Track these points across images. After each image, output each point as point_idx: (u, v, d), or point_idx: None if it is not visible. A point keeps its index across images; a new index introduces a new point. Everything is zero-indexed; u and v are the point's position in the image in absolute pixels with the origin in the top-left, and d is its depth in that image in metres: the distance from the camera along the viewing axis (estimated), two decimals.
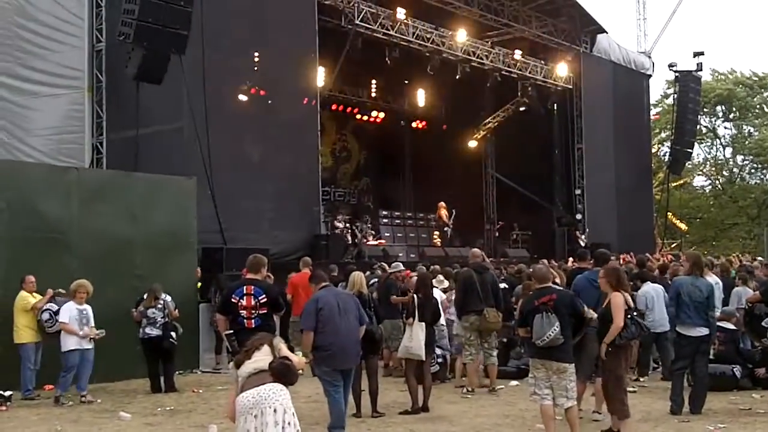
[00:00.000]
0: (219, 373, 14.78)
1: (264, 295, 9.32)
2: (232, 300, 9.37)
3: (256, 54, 19.17)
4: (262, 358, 6.81)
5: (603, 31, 29.80)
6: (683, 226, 43.19)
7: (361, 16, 21.76)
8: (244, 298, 9.31)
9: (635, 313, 9.04)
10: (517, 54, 26.95)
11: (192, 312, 14.76)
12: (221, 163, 17.58)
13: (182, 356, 13.85)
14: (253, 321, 9.26)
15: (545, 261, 18.13)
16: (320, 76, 22.46)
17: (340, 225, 23.61)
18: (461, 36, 24.71)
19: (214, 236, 16.84)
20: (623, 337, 8.98)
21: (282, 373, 6.65)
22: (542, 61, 28.23)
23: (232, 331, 9.25)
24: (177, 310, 13.39)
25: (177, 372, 13.64)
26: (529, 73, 27.56)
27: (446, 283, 14.89)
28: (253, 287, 9.38)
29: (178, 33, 16.22)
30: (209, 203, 16.88)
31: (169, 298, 13.23)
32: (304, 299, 14.37)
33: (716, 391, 11.43)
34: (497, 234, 30.92)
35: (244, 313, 9.27)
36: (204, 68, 17.21)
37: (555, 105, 29.65)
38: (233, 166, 18.27)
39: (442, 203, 27.33)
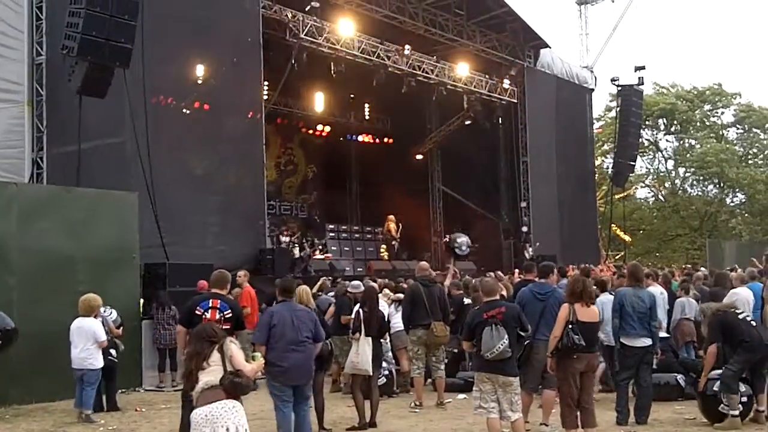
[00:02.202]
0: (162, 391, 14.56)
1: (230, 311, 9.19)
2: (197, 312, 9.19)
3: (201, 67, 19.00)
4: (214, 368, 6.74)
5: (546, 45, 30.07)
6: (627, 238, 43.64)
7: (306, 30, 21.70)
8: (209, 311, 9.17)
9: (574, 325, 9.01)
10: (462, 68, 27.05)
11: (134, 329, 14.51)
12: (164, 177, 17.35)
13: (124, 374, 13.60)
14: None
15: (492, 274, 18.23)
16: (265, 90, 22.32)
17: (286, 239, 23.47)
18: (406, 50, 24.75)
19: (157, 251, 16.60)
20: (560, 349, 8.98)
21: (233, 391, 6.59)
22: (487, 76, 28.39)
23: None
24: (121, 328, 13.18)
25: (119, 390, 13.40)
26: (474, 87, 27.70)
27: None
28: (219, 301, 9.26)
29: (123, 46, 15.98)
30: (152, 218, 16.65)
31: (113, 316, 13.00)
32: (256, 312, 14.40)
33: (661, 400, 11.54)
34: (444, 247, 30.95)
35: None
36: (147, 82, 17.00)
37: (500, 119, 29.84)
38: (177, 180, 18.06)
39: (392, 216, 27.33)
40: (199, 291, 13.15)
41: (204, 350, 6.90)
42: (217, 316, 9.10)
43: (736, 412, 9.96)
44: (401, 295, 14.74)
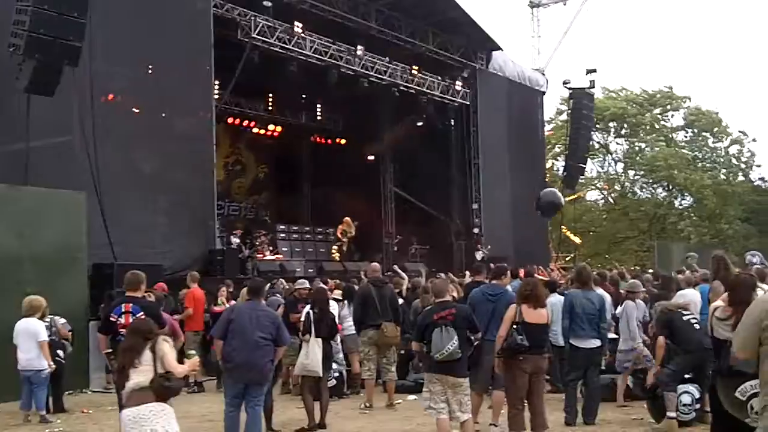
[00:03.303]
0: (110, 392, 14.31)
1: (142, 313, 9.13)
2: (111, 318, 9.25)
3: (150, 66, 18.79)
4: (145, 368, 6.69)
5: (498, 48, 30.20)
6: (577, 240, 44.02)
7: (257, 30, 21.56)
8: (123, 316, 9.19)
9: (519, 326, 9.04)
10: (415, 69, 27.09)
11: (82, 330, 14.29)
12: (113, 176, 17.12)
13: (71, 376, 13.43)
14: None
15: (443, 275, 18.29)
16: (216, 89, 22.14)
17: (236, 240, 23.32)
18: (359, 51, 24.70)
19: (105, 251, 16.40)
20: (505, 349, 9.01)
21: (162, 394, 6.56)
22: (439, 77, 28.45)
23: (111, 350, 9.09)
24: (71, 333, 13.03)
25: (66, 392, 13.22)
26: (427, 88, 27.73)
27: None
28: (131, 305, 9.24)
29: (71, 44, 15.73)
30: (100, 218, 16.44)
31: (61, 321, 12.82)
32: (198, 315, 14.29)
33: (609, 401, 11.64)
34: (396, 248, 30.99)
35: (123, 331, 9.08)
36: (96, 80, 16.79)
37: (452, 120, 29.90)
38: (125, 180, 17.83)
39: (348, 218, 27.25)
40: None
41: (137, 346, 6.86)
42: (130, 320, 9.06)
43: (673, 414, 10.05)
44: (339, 292, 14.80)
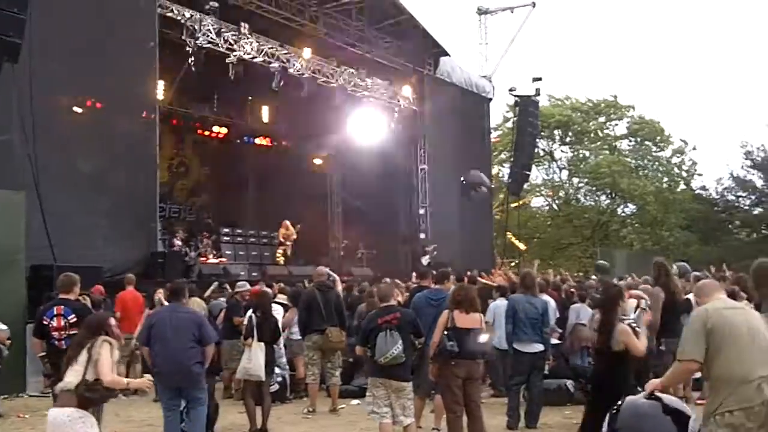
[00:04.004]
0: (47, 396, 14.05)
1: (73, 315, 9.02)
2: (43, 322, 9.17)
3: (94, 65, 18.47)
4: (78, 370, 6.58)
5: (446, 54, 30.29)
6: (522, 246, 44.30)
7: (203, 31, 21.32)
8: (55, 319, 9.13)
9: (450, 331, 9.01)
10: (362, 74, 27.04)
11: (19, 333, 13.95)
12: (53, 176, 16.79)
13: (7, 379, 13.16)
14: (64, 342, 8.96)
15: (388, 279, 18.24)
16: (160, 90, 21.85)
17: (179, 242, 23.05)
18: (306, 54, 24.59)
19: (45, 253, 16.08)
20: (438, 354, 8.99)
21: (81, 402, 6.46)
22: (387, 82, 28.43)
23: (44, 354, 8.97)
24: (10, 341, 12.76)
25: (2, 396, 12.97)
26: (374, 93, 27.70)
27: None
28: (63, 307, 9.14)
29: (11, 41, 15.36)
30: (40, 218, 16.12)
31: (2, 327, 12.56)
32: (132, 317, 14.10)
33: (551, 405, 11.71)
34: (342, 253, 30.91)
35: (55, 334, 9.03)
36: (37, 78, 16.43)
37: (399, 125, 29.86)
38: (66, 180, 17.47)
39: (287, 222, 27.12)
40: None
41: (84, 342, 6.75)
42: (63, 323, 9.07)
43: None
44: (283, 297, 14.72)
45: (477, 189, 25.53)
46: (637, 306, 9.67)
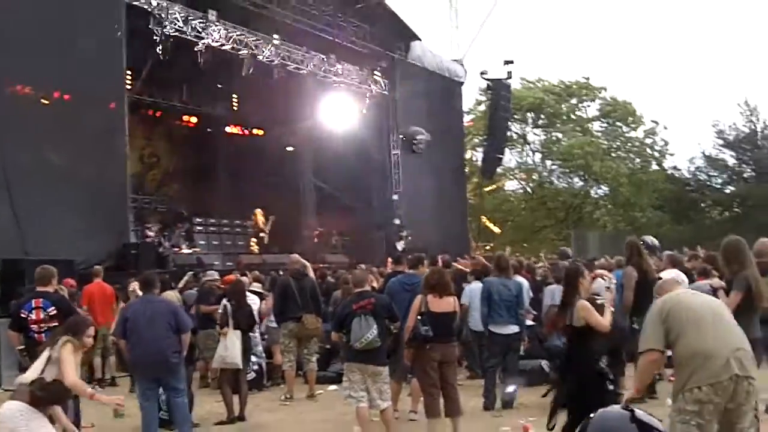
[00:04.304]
0: None
1: (53, 308, 9.00)
2: (21, 315, 9.13)
3: (61, 56, 18.27)
4: (37, 366, 6.56)
5: (417, 38, 30.24)
6: (496, 229, 44.49)
7: (171, 19, 21.13)
8: (33, 311, 9.09)
9: (424, 316, 9.03)
10: (333, 59, 26.91)
11: None
12: (23, 169, 16.66)
13: None
14: (43, 335, 8.93)
15: (363, 266, 18.28)
16: (129, 80, 21.65)
17: (151, 233, 22.92)
18: (275, 40, 24.44)
19: (15, 247, 15.94)
20: (412, 339, 9.02)
21: (33, 399, 6.44)
22: (358, 67, 28.33)
23: (23, 347, 8.93)
24: None
25: None
26: (346, 78, 27.61)
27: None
28: (41, 300, 9.12)
29: None
30: (10, 212, 15.97)
31: None
32: (100, 309, 13.98)
33: (527, 386, 11.76)
34: (316, 240, 30.85)
35: (34, 327, 8.99)
36: (3, 71, 16.29)
37: (372, 111, 29.78)
38: (36, 173, 17.29)
39: (259, 210, 27.04)
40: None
41: (57, 339, 6.72)
42: (42, 315, 9.05)
43: None
44: (258, 285, 14.70)
45: (416, 140, 25.46)
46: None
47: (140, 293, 11.80)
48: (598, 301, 9.66)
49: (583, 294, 7.65)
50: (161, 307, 9.33)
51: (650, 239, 15.43)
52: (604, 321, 7.57)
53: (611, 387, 7.45)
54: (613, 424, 5.78)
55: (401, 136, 29.45)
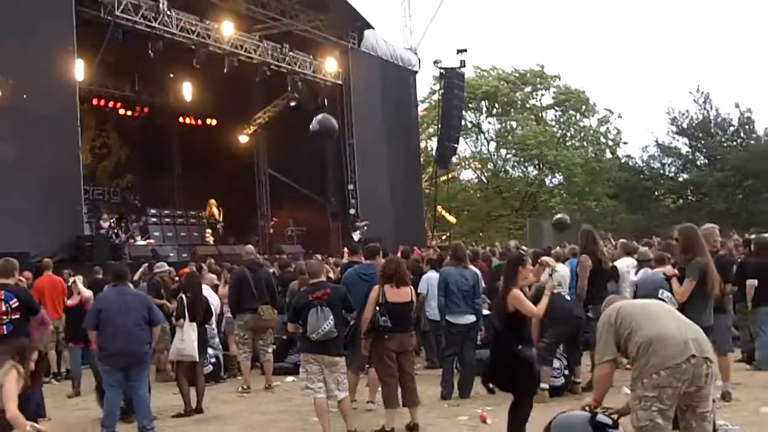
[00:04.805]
0: None
1: (15, 300, 8.97)
2: None
3: (10, 46, 17.98)
4: None
5: (370, 26, 30.15)
6: (452, 219, 44.61)
7: (121, 8, 20.78)
8: None
9: (382, 306, 9.09)
10: (286, 48, 26.73)
11: None
12: None
13: None
14: (5, 327, 9.00)
15: (319, 256, 18.25)
16: (79, 70, 21.33)
17: (106, 225, 22.69)
18: (227, 29, 24.20)
19: None
20: (370, 330, 9.07)
21: None
22: (311, 56, 28.17)
23: None
24: None
25: None
26: (298, 68, 27.44)
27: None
28: (3, 292, 9.09)
29: None
30: None
31: None
32: (51, 303, 13.83)
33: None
34: (272, 230, 30.75)
35: None
36: None
37: (325, 100, 29.58)
38: None
39: (213, 200, 26.88)
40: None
41: (2, 362, 6.55)
42: (4, 308, 9.03)
43: (546, 385, 10.27)
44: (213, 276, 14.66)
45: (332, 136, 25.49)
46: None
47: (81, 287, 11.81)
48: (556, 290, 9.76)
49: (520, 282, 7.73)
50: (135, 299, 9.47)
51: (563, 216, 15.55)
52: (534, 309, 7.67)
53: (530, 370, 7.58)
54: (573, 424, 5.96)
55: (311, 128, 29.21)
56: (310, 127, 23.25)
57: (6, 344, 6.89)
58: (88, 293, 12.06)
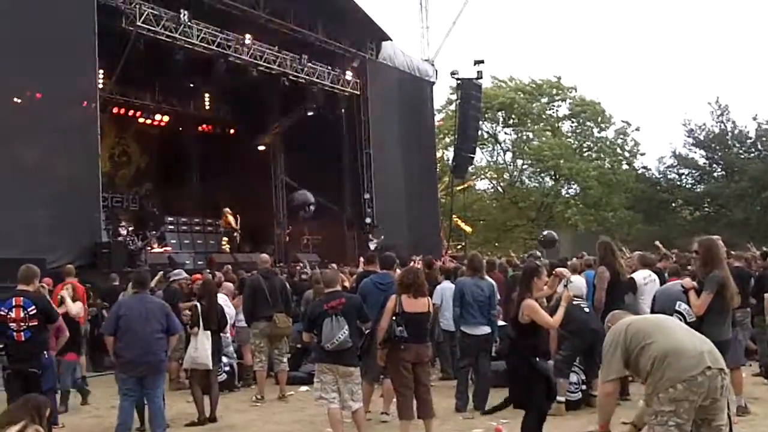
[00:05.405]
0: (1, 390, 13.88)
1: (34, 307, 8.97)
2: (1, 312, 8.98)
3: (32, 55, 18.11)
4: None
5: (388, 38, 30.23)
6: (468, 229, 44.58)
7: (142, 18, 20.97)
8: (13, 310, 8.98)
9: (399, 316, 9.01)
10: (304, 59, 26.82)
11: None
12: None
13: None
14: (23, 334, 8.95)
15: (334, 265, 18.25)
16: (101, 79, 21.50)
17: (124, 232, 22.79)
18: (247, 39, 24.34)
19: None
20: (386, 340, 9.01)
21: None
22: (329, 67, 28.27)
23: (1, 346, 8.87)
24: None
25: None
26: (317, 78, 27.52)
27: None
28: (22, 299, 9.05)
29: None
30: None
31: None
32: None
33: (499, 387, 11.75)
34: (287, 239, 30.78)
35: (13, 326, 8.94)
36: None
37: (343, 110, 29.74)
38: (6, 172, 17.14)
39: (228, 209, 26.96)
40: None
41: (14, 419, 6.32)
42: (22, 314, 8.97)
43: (562, 399, 10.23)
44: (230, 284, 14.68)
45: (306, 209, 25.92)
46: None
47: (68, 301, 11.64)
48: (574, 301, 9.72)
49: (534, 293, 7.73)
50: (155, 307, 9.47)
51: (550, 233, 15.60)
52: (550, 320, 7.66)
53: (546, 383, 7.58)
54: None
55: (289, 200, 29.29)
56: (288, 198, 23.52)
57: (23, 404, 6.61)
58: (75, 309, 11.89)
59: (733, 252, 13.67)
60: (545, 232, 26.75)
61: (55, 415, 9.92)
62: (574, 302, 10.68)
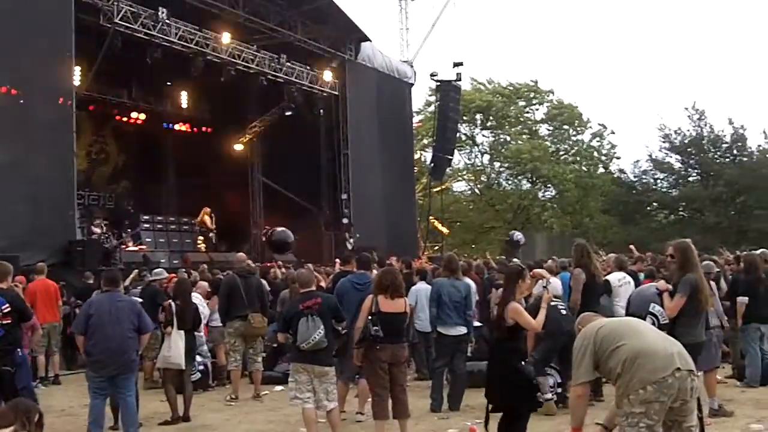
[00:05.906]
0: None
1: (7, 305, 8.91)
2: None
3: (8, 51, 17.97)
4: None
5: (367, 39, 30.22)
6: (445, 230, 44.63)
7: (120, 15, 20.80)
8: None
9: (374, 316, 8.99)
10: (283, 59, 26.75)
11: None
12: None
13: None
14: None
15: (310, 265, 18.21)
16: (77, 76, 21.36)
17: (98, 230, 22.65)
18: (226, 38, 24.23)
19: None
20: (362, 339, 8.99)
21: None
22: (308, 67, 28.18)
23: None
24: None
25: None
26: (295, 78, 27.43)
27: None
28: None
29: None
30: None
31: None
32: (43, 306, 13.79)
33: (474, 387, 11.77)
34: (264, 238, 30.70)
35: None
36: None
37: (321, 111, 29.68)
38: None
39: (207, 209, 26.85)
40: None
41: (3, 424, 6.32)
42: None
43: (549, 396, 10.26)
44: (205, 284, 14.62)
45: (284, 249, 26.22)
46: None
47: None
48: (553, 302, 9.73)
49: (518, 295, 7.74)
50: (126, 306, 9.34)
51: (517, 234, 15.72)
52: (533, 322, 7.67)
53: (529, 386, 7.57)
54: None
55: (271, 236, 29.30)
56: (268, 232, 25.50)
57: (12, 408, 6.57)
58: None
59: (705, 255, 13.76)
60: (511, 232, 26.92)
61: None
62: (552, 303, 10.74)
